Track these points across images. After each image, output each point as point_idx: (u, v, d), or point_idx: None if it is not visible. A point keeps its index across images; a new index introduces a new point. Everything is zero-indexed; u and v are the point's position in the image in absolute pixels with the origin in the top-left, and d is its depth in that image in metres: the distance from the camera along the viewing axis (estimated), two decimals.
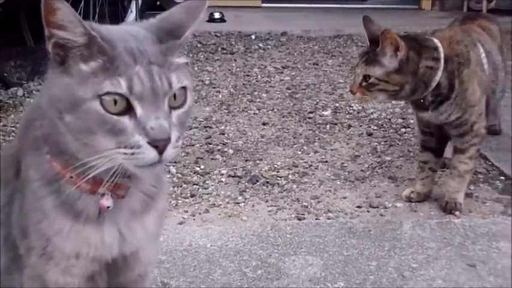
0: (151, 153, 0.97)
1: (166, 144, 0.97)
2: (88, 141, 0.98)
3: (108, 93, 0.95)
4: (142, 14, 4.75)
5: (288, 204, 2.35)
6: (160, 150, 0.97)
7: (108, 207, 1.07)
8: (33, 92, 3.49)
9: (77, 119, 0.97)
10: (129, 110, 0.97)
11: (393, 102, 3.52)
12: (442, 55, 2.15)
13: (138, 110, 0.96)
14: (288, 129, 3.14)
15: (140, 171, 1.01)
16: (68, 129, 0.99)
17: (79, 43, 0.97)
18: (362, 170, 2.67)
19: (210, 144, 2.91)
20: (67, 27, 0.97)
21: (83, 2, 3.74)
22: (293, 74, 4.19)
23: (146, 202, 1.14)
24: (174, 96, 1.00)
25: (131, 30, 1.04)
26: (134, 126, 0.96)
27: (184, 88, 1.02)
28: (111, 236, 1.11)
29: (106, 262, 1.13)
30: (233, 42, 5.02)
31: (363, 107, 3.47)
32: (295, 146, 2.93)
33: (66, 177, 1.05)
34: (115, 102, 0.96)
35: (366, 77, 2.13)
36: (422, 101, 2.18)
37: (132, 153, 0.96)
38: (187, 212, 2.27)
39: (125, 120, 0.96)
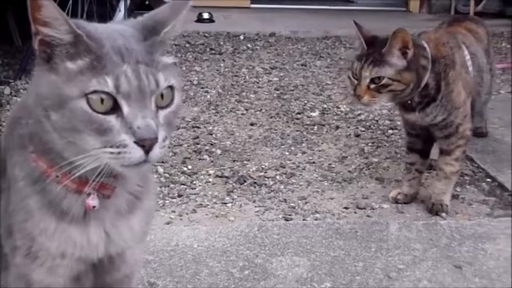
0: (137, 153, 0.96)
1: (153, 144, 0.96)
2: (74, 140, 0.97)
3: (94, 91, 0.95)
4: (130, 13, 4.74)
5: (275, 204, 2.36)
6: (147, 150, 0.96)
7: (94, 206, 1.07)
8: (20, 90, 3.47)
9: (63, 117, 0.96)
10: (115, 109, 0.96)
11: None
12: (429, 56, 2.16)
13: (125, 109, 0.96)
14: (275, 130, 3.14)
15: (127, 171, 1.01)
16: (53, 128, 0.99)
17: (64, 41, 0.97)
18: (349, 171, 2.68)
19: (198, 144, 2.90)
20: (52, 25, 0.96)
21: (71, 1, 3.73)
22: (281, 74, 4.20)
23: (132, 202, 1.14)
24: (162, 95, 1.00)
25: (119, 29, 1.04)
26: (121, 125, 0.96)
27: (171, 87, 1.02)
28: (97, 236, 1.10)
29: (92, 262, 1.13)
30: (221, 43, 5.02)
31: (350, 108, 3.48)
32: (282, 146, 2.93)
33: (51, 176, 1.05)
34: (102, 101, 0.95)
35: (375, 79, 2.09)
36: (409, 102, 2.19)
37: (119, 153, 0.96)
38: (174, 212, 2.27)
39: (112, 119, 0.96)
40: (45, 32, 0.97)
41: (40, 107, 0.99)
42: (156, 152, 0.98)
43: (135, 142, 0.96)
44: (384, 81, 2.09)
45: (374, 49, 2.11)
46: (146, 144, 0.96)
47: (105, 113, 0.96)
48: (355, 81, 2.14)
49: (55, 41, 0.97)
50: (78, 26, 0.97)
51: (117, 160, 0.97)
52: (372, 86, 2.10)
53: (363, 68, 2.11)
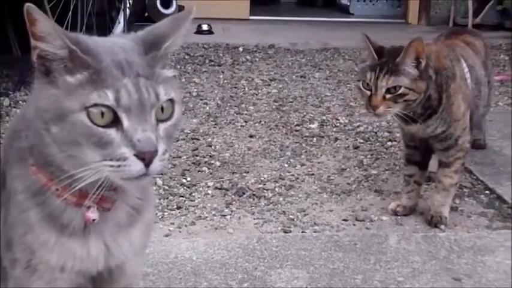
0: (137, 166, 0.97)
1: (153, 157, 0.97)
2: (74, 153, 0.98)
3: (95, 105, 0.95)
4: (130, 26, 4.76)
5: (274, 217, 2.36)
6: (147, 163, 0.97)
7: (94, 220, 1.07)
8: (20, 102, 3.47)
9: (63, 130, 0.97)
10: (116, 122, 0.97)
11: None
12: (433, 67, 2.17)
13: (125, 122, 0.96)
14: (274, 142, 3.14)
15: (127, 184, 1.01)
16: (53, 141, 0.99)
17: (59, 56, 0.98)
18: (348, 183, 2.68)
19: (197, 156, 2.91)
20: (47, 39, 0.97)
21: (70, 13, 3.74)
22: (280, 86, 4.20)
23: (132, 215, 1.14)
24: (162, 108, 1.01)
25: (119, 42, 1.04)
26: (121, 138, 0.96)
27: (171, 101, 1.02)
28: (97, 249, 1.11)
29: (91, 275, 1.13)
30: (221, 54, 5.03)
31: (349, 120, 3.48)
32: (281, 158, 2.93)
33: (51, 189, 1.05)
34: (102, 114, 0.96)
35: (391, 89, 2.08)
36: (412, 114, 2.18)
37: (119, 166, 0.96)
38: (173, 224, 2.27)
39: (112, 133, 0.96)
40: (41, 46, 0.98)
41: (40, 120, 0.99)
42: (156, 164, 0.98)
43: (135, 155, 0.96)
44: (401, 91, 2.08)
45: (387, 59, 2.11)
46: (146, 157, 0.96)
47: (106, 126, 0.96)
48: (368, 92, 2.13)
49: (50, 56, 0.98)
50: (76, 41, 0.98)
51: (117, 173, 0.97)
52: (388, 95, 2.09)
53: (378, 77, 2.09)
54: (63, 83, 0.98)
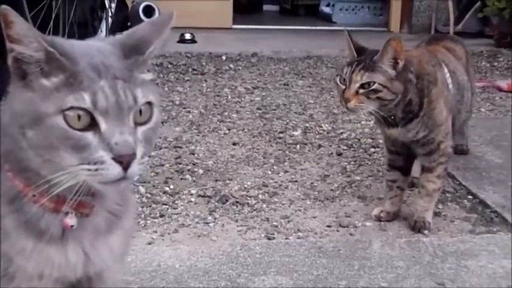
0: (115, 169, 0.95)
1: (131, 160, 0.96)
2: (51, 157, 0.96)
3: (71, 108, 0.94)
4: (112, 35, 4.74)
5: (257, 224, 2.34)
6: (125, 166, 0.95)
7: (72, 226, 1.05)
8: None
9: (39, 134, 0.95)
10: (92, 125, 0.96)
11: (362, 122, 3.55)
12: (414, 72, 2.18)
13: (102, 125, 0.95)
14: (258, 149, 3.14)
15: (105, 188, 1.00)
16: (30, 145, 0.97)
17: (36, 58, 0.96)
18: (332, 190, 2.67)
19: (180, 164, 2.89)
20: (23, 42, 0.96)
21: (52, 22, 3.72)
22: (263, 94, 4.20)
23: (111, 221, 1.12)
24: (140, 111, 1.00)
25: (97, 45, 1.03)
26: (98, 141, 0.95)
27: (150, 104, 1.01)
28: (76, 256, 1.09)
29: (70, 282, 1.11)
30: (204, 63, 5.02)
31: (332, 127, 3.49)
32: (265, 165, 2.93)
33: (28, 195, 1.03)
34: (79, 117, 0.95)
35: (365, 85, 2.09)
36: (393, 117, 2.19)
37: (96, 169, 0.95)
38: (156, 232, 2.25)
39: (89, 136, 0.95)
40: (17, 49, 0.97)
41: (16, 124, 0.98)
42: (135, 168, 0.97)
43: (112, 158, 0.95)
44: (374, 87, 2.09)
45: (365, 57, 2.13)
46: (124, 161, 0.95)
47: (82, 130, 0.95)
48: (343, 86, 2.14)
49: (27, 58, 0.97)
50: (52, 43, 0.97)
51: (95, 177, 0.96)
52: (361, 90, 2.10)
53: (353, 71, 2.11)
54: (39, 87, 0.96)
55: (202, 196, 2.56)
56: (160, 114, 1.06)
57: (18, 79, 0.99)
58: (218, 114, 3.70)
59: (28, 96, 0.97)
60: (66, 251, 1.07)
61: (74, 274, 1.10)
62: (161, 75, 4.51)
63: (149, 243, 2.16)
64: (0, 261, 1.07)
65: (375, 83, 2.09)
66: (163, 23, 1.08)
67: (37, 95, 0.96)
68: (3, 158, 1.05)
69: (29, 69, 0.97)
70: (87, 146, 0.95)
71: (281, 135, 3.36)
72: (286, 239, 2.23)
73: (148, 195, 2.53)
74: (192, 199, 2.53)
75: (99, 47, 1.02)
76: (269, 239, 2.22)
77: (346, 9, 7.83)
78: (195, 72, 4.74)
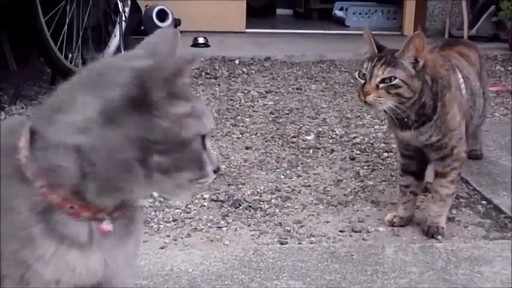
0: (212, 178, 1.14)
1: None
2: (174, 176, 1.09)
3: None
4: (126, 39, 4.76)
5: (270, 228, 2.35)
6: None
7: (109, 231, 1.08)
8: (16, 116, 3.46)
9: (175, 159, 1.06)
10: (203, 145, 1.11)
11: (375, 126, 3.55)
12: (429, 74, 2.17)
13: (208, 143, 1.13)
14: (271, 154, 3.14)
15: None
16: (156, 169, 1.05)
17: None
18: (345, 195, 2.67)
19: None
20: None
21: (66, 26, 3.75)
22: (276, 98, 4.21)
23: (128, 226, 1.14)
24: None
25: None
26: (206, 157, 1.12)
27: None
28: (97, 262, 1.09)
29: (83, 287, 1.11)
30: (217, 67, 5.03)
31: (345, 131, 3.49)
32: (278, 170, 2.93)
33: (65, 208, 1.05)
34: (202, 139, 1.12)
35: (386, 79, 2.08)
36: (406, 119, 2.18)
37: (205, 182, 1.13)
38: (169, 236, 2.26)
39: (204, 153, 1.11)
40: None
41: (138, 151, 1.03)
42: None
43: (213, 170, 1.14)
44: (395, 82, 2.08)
45: (386, 53, 2.13)
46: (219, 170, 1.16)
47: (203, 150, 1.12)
48: (362, 81, 2.13)
49: None
50: None
51: (201, 188, 1.14)
52: (382, 85, 2.09)
53: (375, 66, 2.10)
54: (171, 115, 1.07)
55: (215, 200, 2.57)
56: None
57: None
58: (231, 118, 3.71)
59: (161, 124, 1.05)
60: (89, 257, 1.08)
61: (92, 280, 1.10)
62: None
63: (162, 248, 2.16)
64: (15, 268, 1.07)
65: (396, 78, 2.08)
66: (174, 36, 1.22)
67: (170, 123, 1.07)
68: (34, 173, 1.05)
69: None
70: (204, 163, 1.11)
71: (294, 139, 3.36)
72: (299, 243, 2.23)
73: (161, 200, 2.54)
74: (205, 203, 2.54)
75: None
76: (282, 243, 2.22)
77: (360, 13, 7.83)
78: (208, 76, 4.75)
